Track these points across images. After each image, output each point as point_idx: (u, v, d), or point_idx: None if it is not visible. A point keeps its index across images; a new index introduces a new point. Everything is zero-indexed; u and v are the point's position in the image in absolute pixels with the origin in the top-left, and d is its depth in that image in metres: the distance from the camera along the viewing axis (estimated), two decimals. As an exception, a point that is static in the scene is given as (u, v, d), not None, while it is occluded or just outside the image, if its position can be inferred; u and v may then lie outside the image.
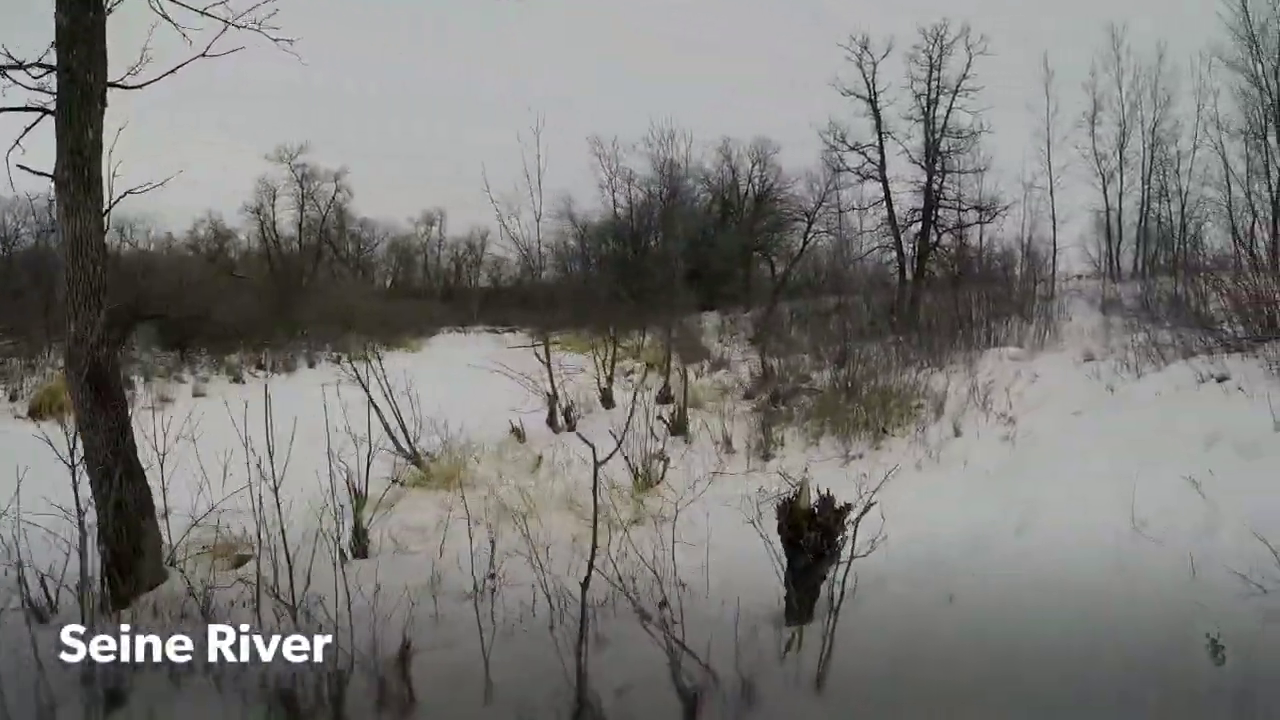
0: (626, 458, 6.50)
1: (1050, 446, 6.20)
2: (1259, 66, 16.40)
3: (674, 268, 18.02)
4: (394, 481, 6.51)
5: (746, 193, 23.35)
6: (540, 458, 7.55)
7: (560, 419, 9.97)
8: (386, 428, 6.98)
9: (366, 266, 37.77)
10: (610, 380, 12.19)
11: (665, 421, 8.88)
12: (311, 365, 18.46)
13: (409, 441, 7.25)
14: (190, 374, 15.99)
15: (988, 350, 12.06)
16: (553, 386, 10.56)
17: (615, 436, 4.19)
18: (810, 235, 20.31)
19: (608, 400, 11.75)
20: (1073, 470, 5.10)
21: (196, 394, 13.13)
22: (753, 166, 23.67)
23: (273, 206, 33.29)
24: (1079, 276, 19.70)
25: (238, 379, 16.03)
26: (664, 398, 11.85)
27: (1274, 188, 16.47)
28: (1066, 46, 29.05)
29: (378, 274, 38.72)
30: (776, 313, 17.79)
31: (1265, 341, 7.50)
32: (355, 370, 7.33)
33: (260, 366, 18.10)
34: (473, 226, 35.54)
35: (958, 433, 7.31)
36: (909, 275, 18.24)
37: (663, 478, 6.81)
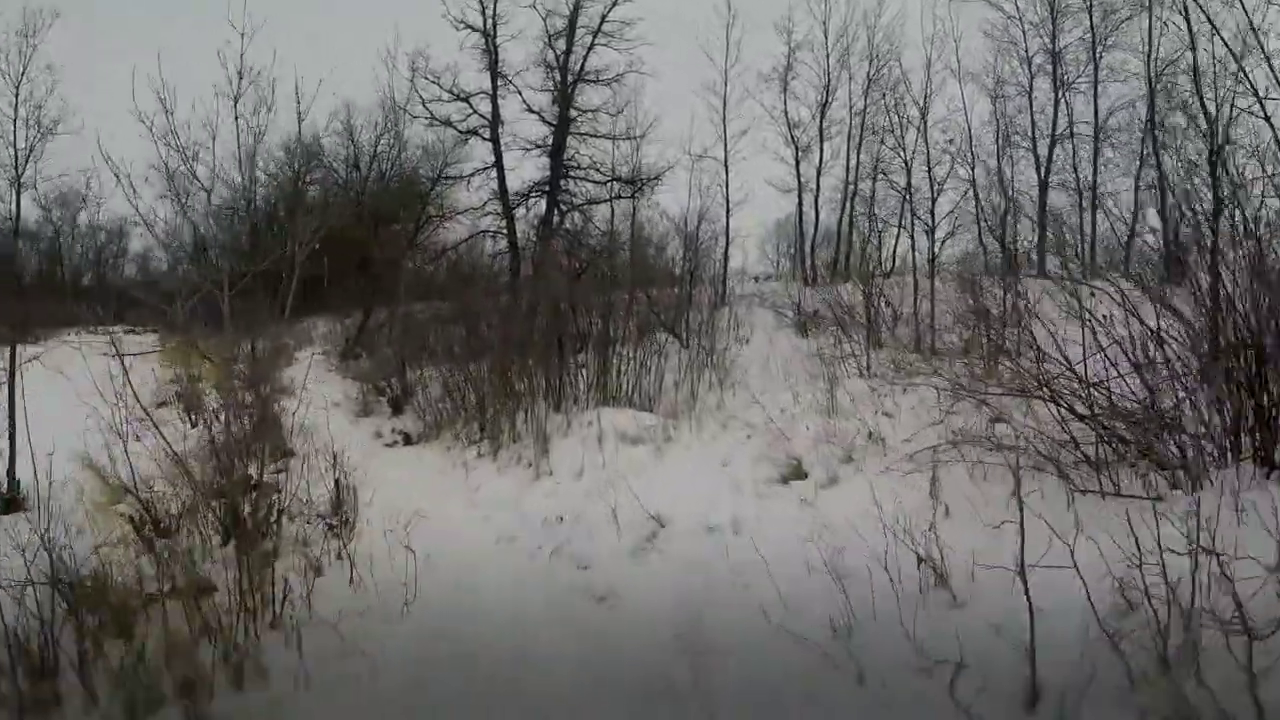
0: None
1: None
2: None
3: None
4: None
5: (369, 173, 17.21)
6: None
7: None
8: None
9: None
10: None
11: None
12: None
13: None
14: None
15: (585, 416, 6.66)
16: None
17: None
18: (423, 219, 14.31)
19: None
20: None
21: None
22: (377, 139, 17.33)
23: None
24: (764, 277, 15.95)
25: None
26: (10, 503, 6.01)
27: (1042, 162, 12.52)
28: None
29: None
30: (374, 321, 12.15)
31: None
32: None
33: None
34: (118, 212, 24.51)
35: None
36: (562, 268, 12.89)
37: None
